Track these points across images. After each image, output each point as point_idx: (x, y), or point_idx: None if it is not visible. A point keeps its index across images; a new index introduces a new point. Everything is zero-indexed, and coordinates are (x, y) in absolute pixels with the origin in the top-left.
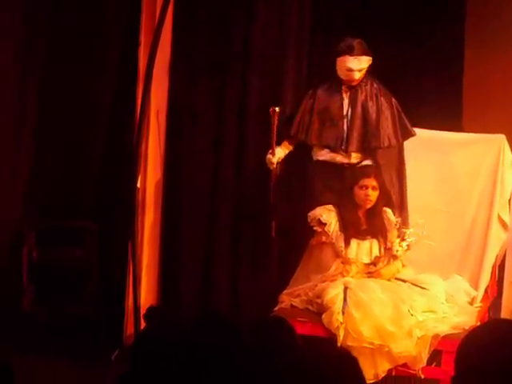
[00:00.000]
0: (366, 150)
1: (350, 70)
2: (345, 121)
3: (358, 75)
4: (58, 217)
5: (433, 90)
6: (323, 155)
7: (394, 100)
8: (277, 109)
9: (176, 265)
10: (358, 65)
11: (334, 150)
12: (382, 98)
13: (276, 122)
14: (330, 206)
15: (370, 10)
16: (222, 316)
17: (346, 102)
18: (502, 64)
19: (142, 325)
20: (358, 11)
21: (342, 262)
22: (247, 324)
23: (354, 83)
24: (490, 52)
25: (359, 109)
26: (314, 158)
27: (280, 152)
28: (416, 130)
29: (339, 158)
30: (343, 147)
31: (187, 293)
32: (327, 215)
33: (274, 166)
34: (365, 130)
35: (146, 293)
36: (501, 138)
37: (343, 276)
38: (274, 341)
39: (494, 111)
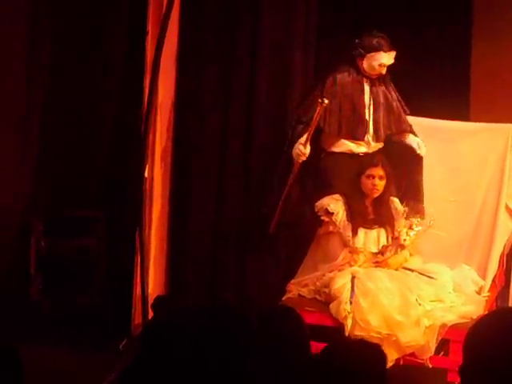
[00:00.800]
0: (391, 137)
1: (383, 65)
2: (367, 111)
3: (385, 70)
4: (66, 206)
5: (441, 81)
6: (339, 146)
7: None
8: (326, 101)
9: (184, 254)
10: (389, 60)
11: (357, 139)
12: (392, 86)
13: (319, 114)
14: (338, 196)
15: (378, 5)
16: (230, 304)
17: (367, 91)
18: (510, 55)
19: (150, 314)
20: (367, 5)
21: (350, 252)
22: (256, 313)
23: (376, 77)
24: (498, 43)
25: (381, 97)
26: (329, 149)
27: (309, 149)
28: (424, 119)
29: (357, 149)
30: (366, 137)
31: (195, 282)
32: (334, 205)
33: (303, 158)
34: (388, 119)
35: (154, 282)
36: (508, 127)
37: (351, 265)
38: (283, 330)
39: (501, 102)
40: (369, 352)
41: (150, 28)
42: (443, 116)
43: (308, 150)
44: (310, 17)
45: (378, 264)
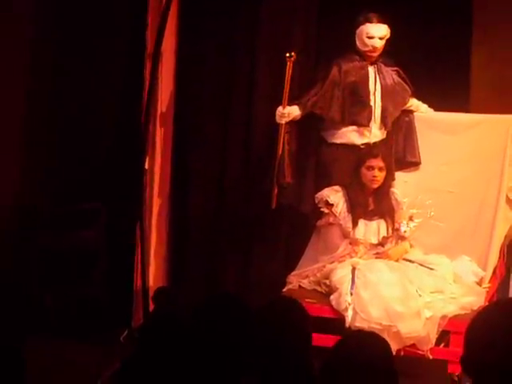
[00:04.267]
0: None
1: (371, 36)
2: (372, 97)
3: (379, 43)
4: (67, 199)
5: (441, 73)
6: (340, 137)
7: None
8: (294, 54)
9: (184, 246)
10: (378, 31)
11: (361, 125)
12: (394, 73)
13: (291, 69)
14: (338, 187)
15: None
16: (232, 296)
17: (372, 77)
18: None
19: (151, 306)
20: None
21: (350, 243)
22: (258, 304)
23: (375, 54)
24: (497, 34)
25: (389, 83)
26: (329, 140)
27: (294, 110)
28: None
29: (359, 139)
30: (371, 123)
31: (196, 274)
32: (334, 196)
33: (286, 119)
34: (395, 104)
35: (155, 274)
36: (509, 118)
37: (351, 257)
38: (286, 321)
39: (501, 93)
40: (378, 344)
41: (150, 20)
42: (443, 105)
43: (288, 110)
44: (309, 24)
45: (378, 255)
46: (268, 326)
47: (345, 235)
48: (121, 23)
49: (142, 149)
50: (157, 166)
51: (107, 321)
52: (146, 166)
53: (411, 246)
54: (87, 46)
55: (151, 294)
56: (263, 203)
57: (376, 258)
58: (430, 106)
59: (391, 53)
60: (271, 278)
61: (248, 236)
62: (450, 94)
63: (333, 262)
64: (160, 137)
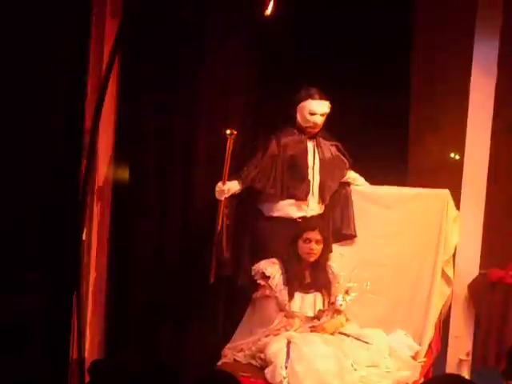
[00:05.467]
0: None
1: (314, 113)
2: (310, 171)
3: (320, 120)
4: (2, 268)
5: (380, 147)
6: (278, 210)
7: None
8: (234, 131)
9: (121, 318)
10: (320, 108)
11: (299, 199)
12: (333, 148)
13: (231, 146)
14: (274, 260)
15: (316, 71)
16: (168, 368)
17: (311, 151)
18: (446, 121)
19: (86, 379)
20: (303, 72)
21: (285, 316)
22: (194, 377)
23: (315, 130)
24: (436, 106)
25: (327, 157)
26: (267, 213)
27: (233, 185)
28: (365, 187)
29: (297, 212)
30: (309, 197)
31: (132, 346)
32: (271, 268)
33: (225, 195)
34: (333, 178)
35: (91, 346)
36: (445, 192)
37: (286, 330)
38: None
39: (438, 168)
40: None
41: (89, 88)
42: (382, 180)
43: (228, 186)
44: (249, 94)
45: (314, 328)
46: None
47: (280, 308)
48: (59, 90)
49: (80, 220)
50: (94, 236)
51: None
52: (84, 237)
53: (347, 320)
54: (24, 117)
55: (87, 365)
56: (201, 276)
57: (311, 331)
58: (367, 180)
59: (331, 129)
60: (208, 350)
61: (185, 309)
62: (389, 170)
63: (268, 335)
64: (98, 208)
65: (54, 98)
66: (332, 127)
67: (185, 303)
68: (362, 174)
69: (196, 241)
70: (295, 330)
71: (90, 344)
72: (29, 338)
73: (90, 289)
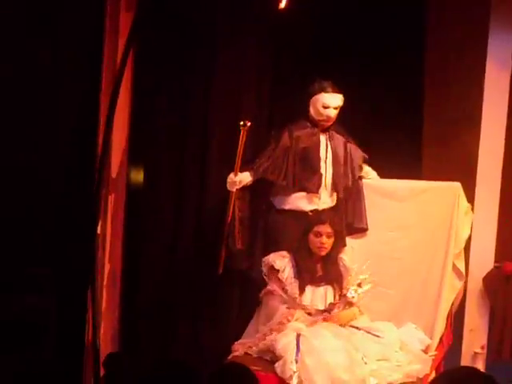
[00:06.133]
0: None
1: (327, 106)
2: (322, 164)
3: (333, 113)
4: (15, 264)
5: (393, 141)
6: (289, 203)
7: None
8: (247, 123)
9: (136, 311)
10: (334, 101)
11: (310, 191)
12: (348, 143)
13: (244, 137)
14: (285, 253)
15: (331, 66)
16: (182, 362)
17: (323, 144)
18: (458, 115)
19: (102, 372)
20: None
21: (287, 307)
22: (208, 370)
23: (328, 123)
24: (447, 104)
25: (341, 150)
26: (278, 206)
27: (245, 177)
28: (377, 181)
29: (308, 205)
30: (320, 190)
31: (147, 339)
32: (280, 261)
33: (237, 186)
34: (346, 172)
35: (106, 340)
36: (456, 185)
37: (288, 320)
38: None
39: (451, 162)
40: None
41: (103, 84)
42: (395, 174)
43: (239, 177)
44: (262, 88)
45: (327, 318)
46: None
47: (284, 301)
48: (73, 87)
49: (95, 213)
50: (108, 230)
51: None
52: (99, 231)
53: (360, 313)
54: (40, 109)
55: (102, 359)
56: (215, 271)
57: (324, 321)
58: (381, 173)
59: (346, 123)
60: (222, 346)
61: (199, 304)
62: (403, 164)
63: (272, 330)
64: (112, 202)
65: (68, 93)
66: (346, 121)
67: (198, 298)
68: (375, 168)
69: (210, 236)
70: (296, 320)
71: (105, 338)
72: (44, 331)
73: (105, 283)
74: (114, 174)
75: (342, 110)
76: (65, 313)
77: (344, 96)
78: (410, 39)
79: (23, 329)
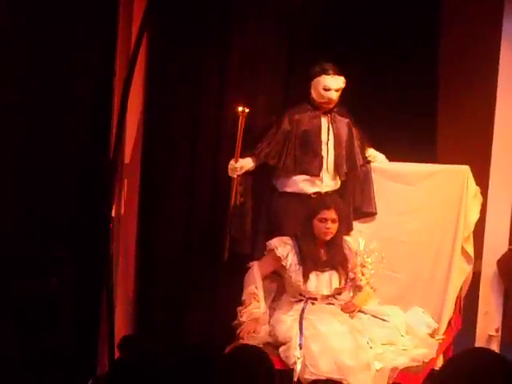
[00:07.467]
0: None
1: (328, 89)
2: (324, 146)
3: (335, 95)
4: (31, 247)
5: (407, 124)
6: (291, 186)
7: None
8: (246, 109)
9: (151, 294)
10: (335, 83)
11: (312, 174)
12: (352, 126)
13: (243, 124)
14: (287, 238)
15: (345, 48)
16: (197, 345)
17: (325, 126)
18: (474, 96)
19: (117, 354)
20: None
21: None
22: (222, 353)
23: (330, 105)
24: (463, 84)
25: (344, 133)
26: (281, 189)
27: (246, 162)
28: (386, 165)
29: (310, 188)
30: (322, 173)
31: (162, 322)
32: (282, 248)
33: (238, 173)
34: (350, 154)
35: (121, 322)
36: (465, 169)
37: (256, 300)
38: (250, 370)
39: (466, 144)
40: None
41: (117, 69)
42: (409, 156)
43: (240, 163)
44: (279, 57)
45: (344, 306)
46: (231, 375)
47: (295, 288)
48: (87, 72)
49: (109, 197)
50: (123, 212)
51: (73, 369)
52: (113, 214)
53: (374, 290)
54: (52, 96)
55: (117, 342)
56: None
57: (342, 310)
58: (395, 158)
59: (357, 104)
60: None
61: (216, 284)
62: (417, 146)
63: (241, 313)
64: (126, 185)
65: (83, 79)
66: (361, 104)
67: (211, 283)
68: (389, 152)
69: (224, 217)
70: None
71: (121, 320)
72: (60, 314)
73: (120, 266)
74: (127, 160)
75: (357, 95)
76: (81, 295)
77: (358, 81)
78: (425, 26)
79: (44, 312)
